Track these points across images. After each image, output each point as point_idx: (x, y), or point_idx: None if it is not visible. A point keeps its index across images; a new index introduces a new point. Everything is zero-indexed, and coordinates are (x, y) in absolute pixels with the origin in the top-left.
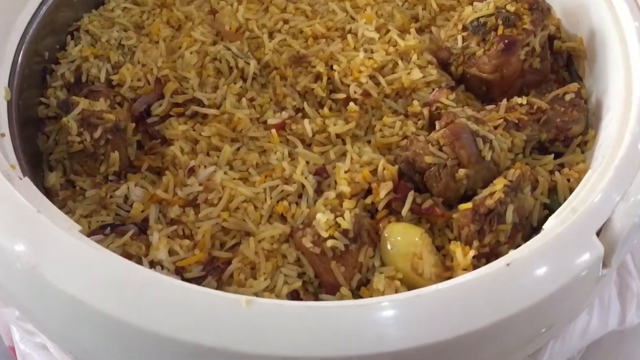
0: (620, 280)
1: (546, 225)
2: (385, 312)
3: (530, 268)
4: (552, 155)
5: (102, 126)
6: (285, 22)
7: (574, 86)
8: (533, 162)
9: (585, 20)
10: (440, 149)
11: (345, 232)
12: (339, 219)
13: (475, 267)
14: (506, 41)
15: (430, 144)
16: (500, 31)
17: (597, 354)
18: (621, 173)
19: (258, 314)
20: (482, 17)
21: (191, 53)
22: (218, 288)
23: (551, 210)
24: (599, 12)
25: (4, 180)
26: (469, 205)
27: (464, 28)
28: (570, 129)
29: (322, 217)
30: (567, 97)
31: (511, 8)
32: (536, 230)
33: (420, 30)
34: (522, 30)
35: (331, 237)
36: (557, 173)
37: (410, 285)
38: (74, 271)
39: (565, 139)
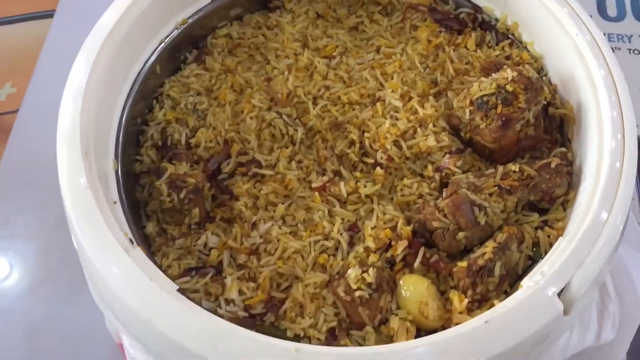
0: (601, 302)
1: (524, 283)
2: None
3: (504, 323)
4: (537, 215)
5: (186, 188)
6: (327, 88)
7: (557, 158)
8: (523, 218)
9: (574, 92)
10: (445, 216)
11: (369, 285)
12: (365, 275)
13: (469, 309)
14: (503, 119)
15: (437, 210)
16: (499, 109)
17: None
18: (582, 244)
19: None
20: (485, 95)
21: (251, 118)
22: (275, 321)
23: (534, 261)
24: (584, 89)
25: (123, 253)
26: (464, 263)
27: (471, 103)
28: (553, 192)
29: (352, 272)
30: (553, 165)
31: (510, 88)
32: (520, 277)
33: (438, 94)
34: (517, 108)
35: (359, 288)
36: (539, 231)
37: (418, 325)
38: (177, 324)
39: (550, 200)
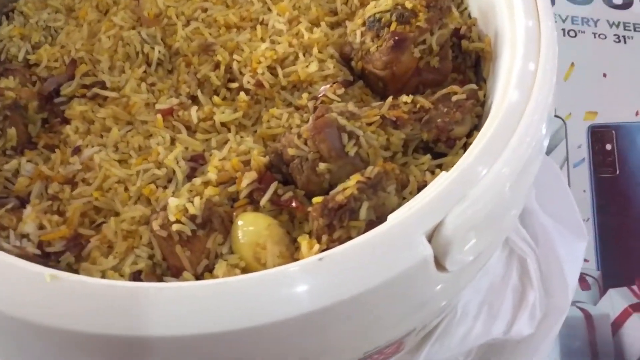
0: (521, 289)
1: (389, 218)
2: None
3: (345, 264)
4: (429, 156)
5: (2, 102)
6: (204, 10)
7: (457, 87)
8: (413, 161)
9: (492, 21)
10: (305, 143)
11: (193, 218)
12: (188, 204)
13: None
14: (396, 38)
15: (297, 137)
16: (393, 27)
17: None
18: (466, 176)
19: (59, 289)
20: (379, 12)
21: (108, 38)
22: (75, 263)
23: None
24: (501, 13)
25: None
26: (320, 199)
27: (364, 23)
28: (451, 130)
29: (173, 202)
30: (454, 98)
31: (409, 5)
32: None
33: (336, 24)
34: (415, 27)
35: (178, 221)
36: (427, 173)
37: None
38: None
39: (448, 140)
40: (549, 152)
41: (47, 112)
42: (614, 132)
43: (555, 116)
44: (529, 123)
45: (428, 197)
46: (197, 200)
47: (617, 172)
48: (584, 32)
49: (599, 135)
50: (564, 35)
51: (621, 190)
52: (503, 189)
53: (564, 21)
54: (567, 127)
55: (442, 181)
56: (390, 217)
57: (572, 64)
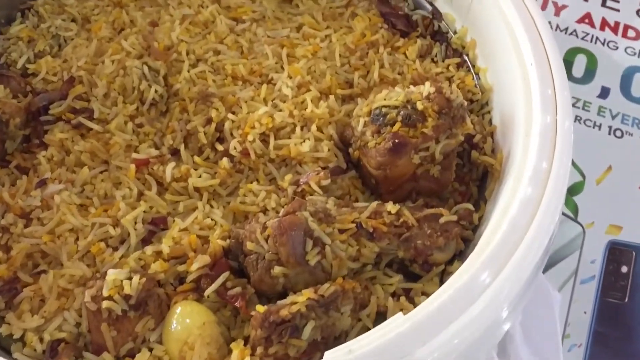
0: None
1: (325, 356)
2: None
3: None
4: (400, 277)
5: None
6: (216, 53)
7: (446, 211)
8: (382, 278)
9: (509, 139)
10: (267, 239)
11: (127, 297)
12: (125, 282)
13: None
14: (396, 141)
15: (262, 229)
16: (396, 128)
17: None
18: (419, 329)
19: None
20: (386, 107)
21: (112, 62)
22: (4, 310)
23: None
24: (516, 136)
25: None
26: (263, 308)
27: (369, 112)
28: (430, 255)
29: (111, 275)
30: (442, 220)
31: (420, 106)
32: None
33: (349, 98)
34: (420, 133)
35: (110, 297)
36: (390, 299)
37: None
38: None
39: (425, 264)
40: (558, 260)
41: (30, 130)
42: (634, 253)
43: (575, 221)
44: (534, 237)
45: (371, 344)
46: (135, 279)
47: (626, 300)
48: (631, 134)
49: (617, 253)
50: (609, 133)
51: (626, 321)
52: (498, 313)
53: (613, 117)
54: (585, 237)
55: (394, 326)
56: (327, 355)
57: (610, 167)
